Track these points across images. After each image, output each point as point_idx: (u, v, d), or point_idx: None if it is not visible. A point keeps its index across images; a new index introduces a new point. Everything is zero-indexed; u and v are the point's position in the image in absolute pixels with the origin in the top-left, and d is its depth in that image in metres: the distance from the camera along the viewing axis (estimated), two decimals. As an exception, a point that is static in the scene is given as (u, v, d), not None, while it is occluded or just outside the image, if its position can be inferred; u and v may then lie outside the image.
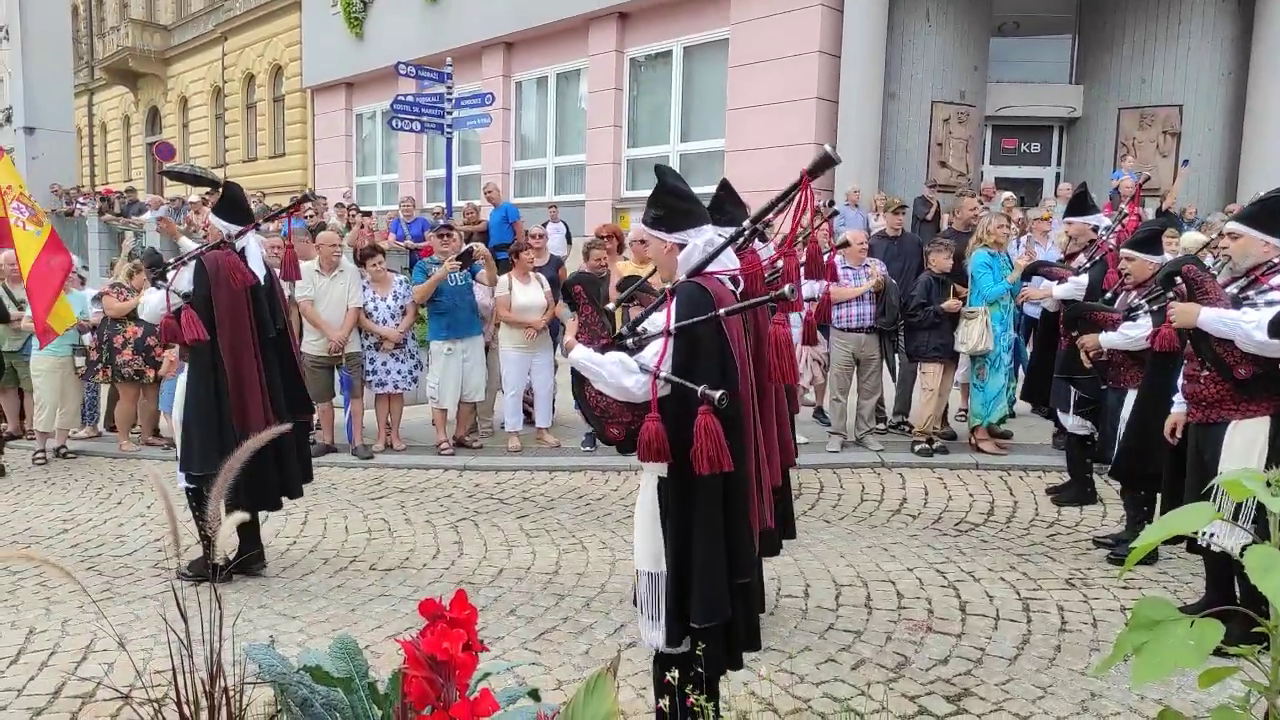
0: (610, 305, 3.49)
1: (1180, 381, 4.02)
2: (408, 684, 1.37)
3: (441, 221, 8.76)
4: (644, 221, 2.97)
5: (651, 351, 2.67)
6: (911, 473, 6.59)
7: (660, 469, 2.76)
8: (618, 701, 1.88)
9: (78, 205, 17.63)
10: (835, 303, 6.90)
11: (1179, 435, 4.07)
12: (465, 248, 7.50)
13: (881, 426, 7.64)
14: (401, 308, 7.26)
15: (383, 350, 7.19)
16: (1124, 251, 4.96)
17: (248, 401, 4.57)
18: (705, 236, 2.85)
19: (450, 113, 12.06)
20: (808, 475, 6.59)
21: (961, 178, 13.12)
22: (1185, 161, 12.20)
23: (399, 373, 7.27)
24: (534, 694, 2.53)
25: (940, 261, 6.87)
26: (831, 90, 12.59)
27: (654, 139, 15.09)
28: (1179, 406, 4.05)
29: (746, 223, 3.13)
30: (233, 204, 4.88)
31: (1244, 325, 3.60)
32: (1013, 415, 7.35)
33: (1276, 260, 3.73)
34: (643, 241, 7.15)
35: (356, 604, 4.46)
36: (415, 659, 1.38)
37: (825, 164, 3.05)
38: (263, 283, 4.74)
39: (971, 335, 6.63)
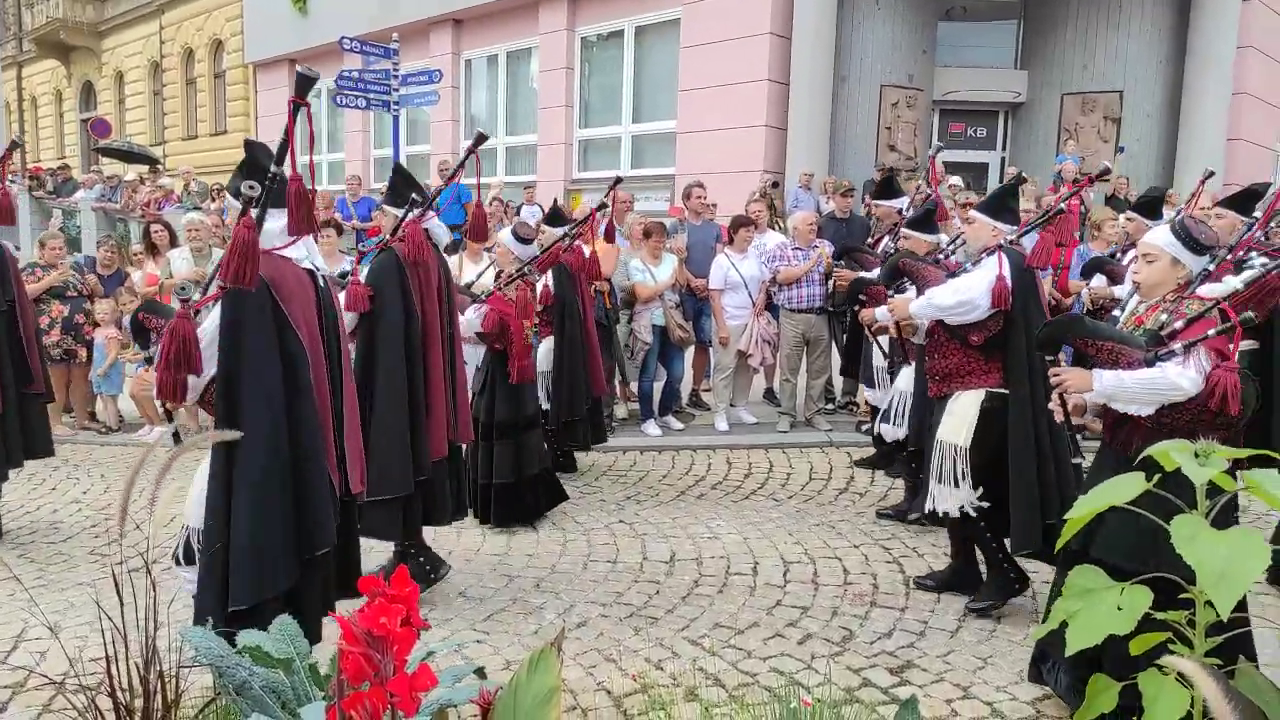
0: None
1: None
2: (344, 659, 1.35)
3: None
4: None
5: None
6: (860, 452, 6.67)
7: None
8: (561, 677, 1.88)
9: (11, 182, 16.95)
10: (784, 283, 6.96)
11: None
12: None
13: (830, 406, 7.73)
14: (346, 287, 7.12)
15: None
16: (903, 231, 5.16)
17: None
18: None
19: (397, 90, 11.84)
20: (757, 455, 6.64)
21: (909, 161, 13.27)
22: (1121, 149, 12.54)
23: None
24: (480, 672, 2.51)
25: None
26: (782, 72, 12.62)
27: (606, 119, 14.99)
28: None
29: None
30: None
31: (934, 300, 3.91)
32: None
33: (998, 244, 3.96)
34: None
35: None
36: (351, 634, 1.36)
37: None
38: None
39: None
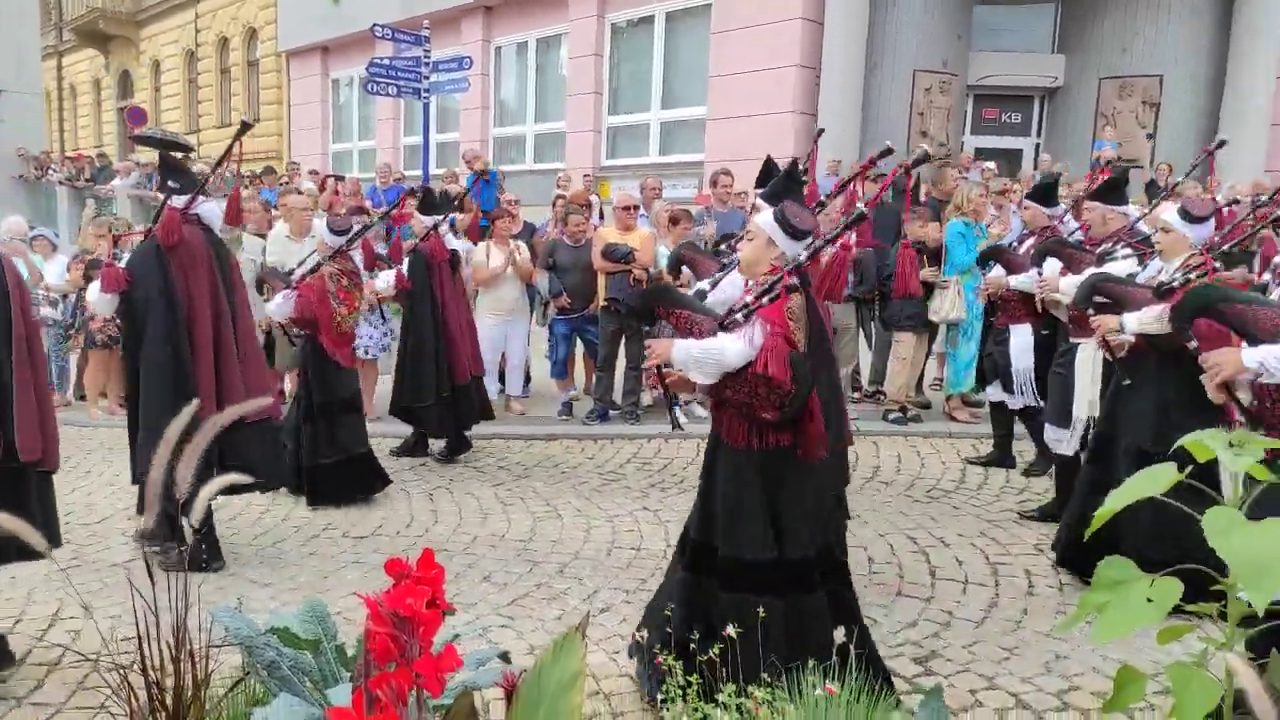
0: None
1: None
2: (370, 640, 1.36)
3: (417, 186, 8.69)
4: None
5: None
6: (886, 440, 6.63)
7: None
8: (585, 661, 1.88)
9: (50, 171, 17.27)
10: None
11: None
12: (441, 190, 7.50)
13: (856, 395, 7.67)
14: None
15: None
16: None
17: None
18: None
19: (427, 77, 11.88)
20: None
21: (942, 147, 13.08)
22: (1150, 135, 12.34)
23: (370, 338, 7.20)
24: (504, 656, 2.53)
25: (915, 230, 6.87)
26: (814, 58, 12.49)
27: (635, 106, 14.95)
28: None
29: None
30: None
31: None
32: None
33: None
34: (630, 208, 7.10)
35: (329, 571, 4.46)
36: (378, 615, 1.37)
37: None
38: None
39: (944, 304, 6.66)
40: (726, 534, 2.91)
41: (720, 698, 2.28)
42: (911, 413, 6.98)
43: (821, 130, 4.94)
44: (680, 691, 2.32)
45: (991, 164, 11.35)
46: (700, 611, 2.91)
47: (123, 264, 4.39)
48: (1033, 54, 13.84)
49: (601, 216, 9.86)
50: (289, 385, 7.57)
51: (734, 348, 2.73)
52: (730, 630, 2.64)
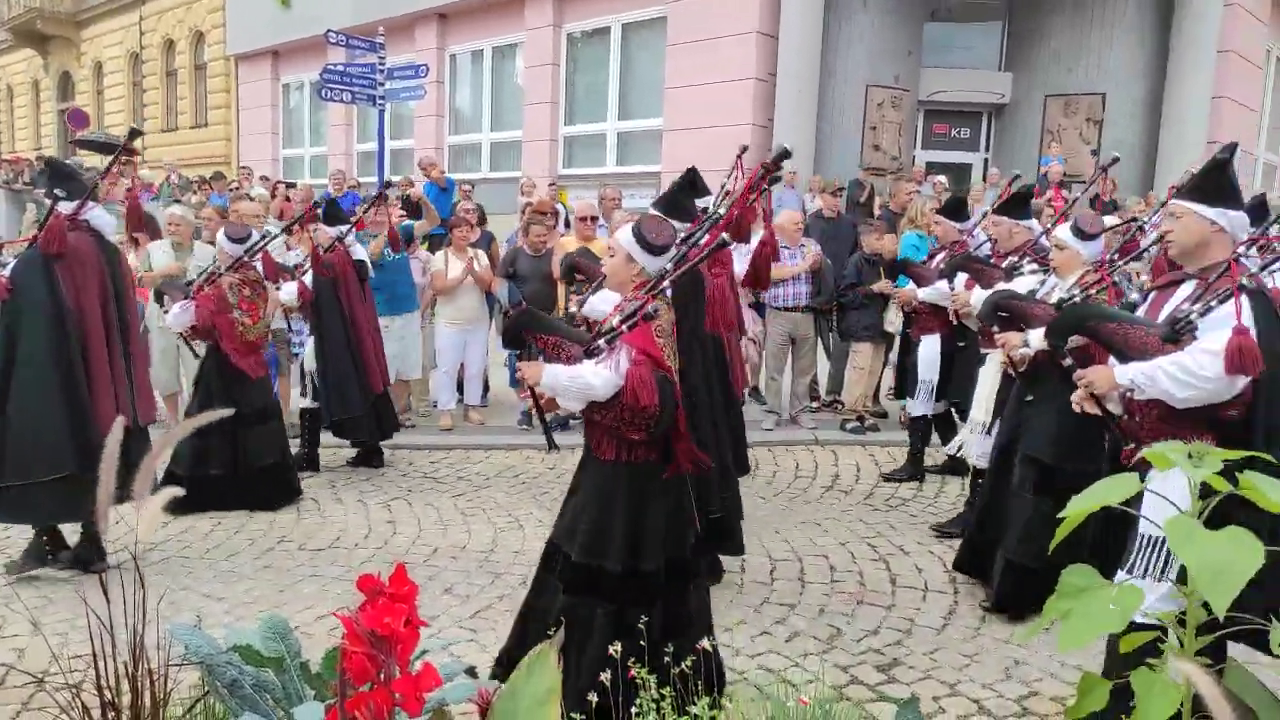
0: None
1: None
2: (347, 660, 1.34)
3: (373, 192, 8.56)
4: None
5: None
6: (844, 450, 6.71)
7: None
8: (559, 677, 1.86)
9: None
10: (773, 281, 6.96)
11: None
12: (403, 193, 7.42)
13: (815, 405, 7.75)
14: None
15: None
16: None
17: None
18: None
19: (383, 84, 11.75)
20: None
21: (894, 161, 13.32)
22: (1094, 151, 12.73)
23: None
24: (471, 671, 2.50)
25: (872, 242, 6.98)
26: (768, 71, 12.63)
27: (591, 116, 14.96)
28: None
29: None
30: None
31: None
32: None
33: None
34: (588, 219, 7.10)
35: (285, 585, 4.36)
36: (355, 634, 1.35)
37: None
38: None
39: (899, 316, 6.76)
40: (586, 542, 2.92)
41: (694, 710, 2.28)
42: (869, 422, 7.08)
43: (745, 147, 4.99)
44: (654, 704, 2.32)
45: (942, 178, 11.59)
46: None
47: (7, 272, 4.26)
48: (981, 71, 14.18)
49: (568, 225, 9.84)
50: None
51: (600, 378, 2.72)
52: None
